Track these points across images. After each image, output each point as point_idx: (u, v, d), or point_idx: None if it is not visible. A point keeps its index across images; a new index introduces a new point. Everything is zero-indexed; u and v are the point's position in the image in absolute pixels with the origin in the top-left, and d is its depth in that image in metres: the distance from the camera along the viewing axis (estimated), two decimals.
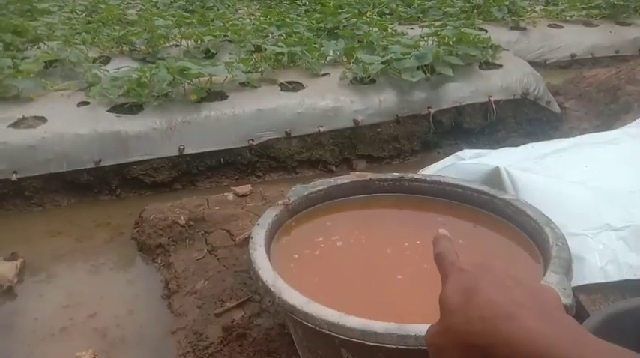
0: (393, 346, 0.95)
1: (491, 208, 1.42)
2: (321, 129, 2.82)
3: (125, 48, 3.92)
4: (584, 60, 4.59)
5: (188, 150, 2.66)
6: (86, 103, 2.75)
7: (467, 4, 5.12)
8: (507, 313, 0.51)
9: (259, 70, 3.10)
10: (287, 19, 4.32)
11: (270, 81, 2.99)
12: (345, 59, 3.32)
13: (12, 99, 2.77)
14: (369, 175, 1.56)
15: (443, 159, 1.89)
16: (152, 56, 3.77)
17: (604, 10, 5.05)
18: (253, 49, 3.62)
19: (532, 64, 3.59)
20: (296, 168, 2.85)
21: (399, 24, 4.77)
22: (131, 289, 1.98)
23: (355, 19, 4.23)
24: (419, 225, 1.43)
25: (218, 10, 5.53)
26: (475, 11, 5.00)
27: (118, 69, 3.07)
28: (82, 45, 3.72)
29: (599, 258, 1.36)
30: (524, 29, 4.71)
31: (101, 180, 2.61)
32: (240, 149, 2.74)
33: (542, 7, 5.44)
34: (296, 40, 3.48)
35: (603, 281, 1.35)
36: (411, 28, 4.49)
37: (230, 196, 2.22)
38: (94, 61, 3.53)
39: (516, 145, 1.97)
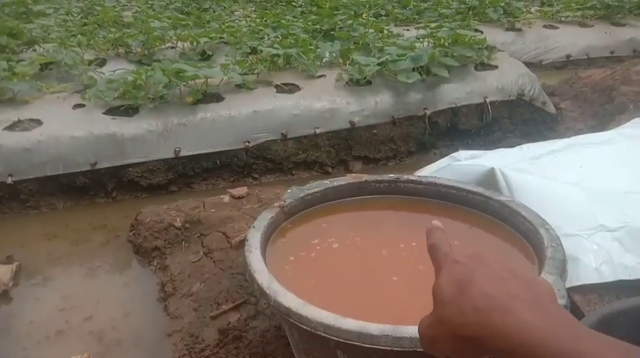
0: (389, 348, 0.95)
1: (486, 209, 1.43)
2: (317, 131, 2.83)
3: (121, 50, 3.92)
4: (580, 60, 4.61)
5: (184, 152, 2.65)
6: (82, 106, 2.74)
7: (462, 6, 5.13)
8: (502, 305, 0.51)
9: (255, 71, 3.10)
10: (283, 21, 4.32)
11: (266, 83, 2.99)
12: (340, 61, 3.32)
13: (7, 102, 2.76)
14: (365, 177, 1.56)
15: (438, 161, 1.89)
16: (148, 58, 3.77)
17: (599, 10, 5.06)
18: (249, 51, 3.62)
19: (528, 64, 3.60)
20: (292, 170, 2.85)
21: (395, 25, 4.78)
22: (127, 292, 1.98)
23: (351, 21, 4.24)
24: (414, 227, 1.43)
25: (214, 11, 5.54)
26: (471, 12, 5.01)
27: (114, 71, 3.06)
28: (78, 47, 3.72)
29: (594, 259, 1.37)
30: (519, 30, 4.72)
31: (97, 182, 2.60)
32: (236, 151, 2.74)
33: (538, 8, 5.46)
34: (292, 41, 3.48)
35: (598, 281, 1.35)
36: (407, 30, 4.50)
37: (226, 198, 2.22)
38: (90, 63, 3.53)
39: (512, 146, 1.98)
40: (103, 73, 3.24)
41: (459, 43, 3.25)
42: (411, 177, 1.56)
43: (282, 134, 2.78)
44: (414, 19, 5.02)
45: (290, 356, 1.40)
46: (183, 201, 2.23)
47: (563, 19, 5.02)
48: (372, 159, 2.96)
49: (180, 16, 4.96)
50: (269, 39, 3.84)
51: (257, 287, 1.11)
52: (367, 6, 5.35)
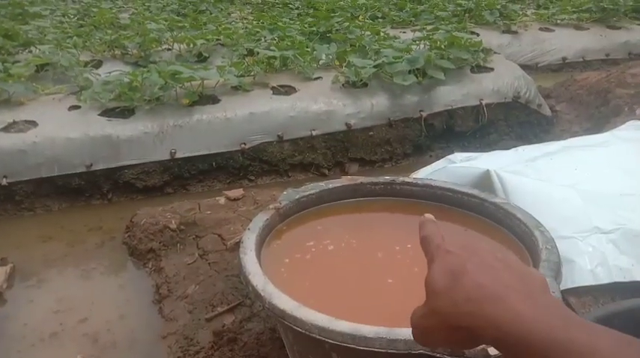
0: (383, 350, 0.95)
1: (481, 211, 1.43)
2: (314, 133, 2.82)
3: (117, 52, 3.91)
4: (575, 63, 4.63)
5: (180, 154, 2.65)
6: (77, 107, 2.73)
7: (459, 8, 5.14)
8: (494, 295, 0.51)
9: (252, 73, 3.10)
10: (280, 23, 4.32)
11: (262, 84, 2.99)
12: (337, 63, 3.33)
13: (2, 104, 2.75)
14: (360, 179, 1.56)
15: (434, 163, 1.89)
16: (144, 60, 3.77)
17: (595, 13, 5.08)
18: (246, 53, 3.62)
19: (523, 67, 3.61)
20: (288, 172, 2.85)
21: (392, 28, 4.79)
22: (122, 294, 1.97)
23: (348, 23, 4.24)
24: (410, 229, 1.42)
25: (211, 13, 5.54)
26: (467, 15, 5.02)
27: (110, 73, 3.06)
28: (74, 49, 3.71)
29: (588, 261, 1.37)
30: (515, 33, 4.73)
31: (92, 184, 2.59)
32: (232, 153, 2.74)
33: (534, 11, 5.47)
34: (288, 43, 3.48)
35: (593, 283, 1.35)
36: (403, 32, 4.51)
37: (222, 200, 2.22)
38: (86, 64, 3.52)
39: (507, 148, 1.98)
40: (99, 75, 3.23)
41: (455, 45, 3.26)
42: (407, 180, 1.56)
43: (279, 136, 2.78)
44: (411, 21, 5.03)
45: None
46: (178, 203, 2.23)
47: (559, 21, 5.04)
48: (368, 161, 2.96)
49: (176, 18, 4.95)
50: (265, 41, 3.84)
51: (252, 290, 1.11)
52: (364, 8, 5.36)
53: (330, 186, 1.51)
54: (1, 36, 3.80)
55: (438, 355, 0.85)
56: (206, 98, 2.83)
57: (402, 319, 1.03)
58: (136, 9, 5.77)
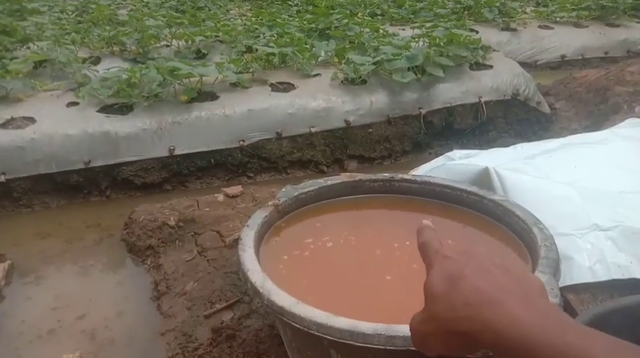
0: (382, 347, 0.95)
1: (480, 209, 1.43)
2: (313, 130, 2.82)
3: (115, 48, 3.90)
4: (575, 61, 4.62)
5: (178, 151, 2.64)
6: (76, 104, 2.73)
7: (458, 5, 5.14)
8: (491, 299, 0.52)
9: (250, 70, 3.09)
10: (278, 20, 4.31)
11: (261, 81, 2.99)
12: (336, 60, 3.32)
13: (0, 100, 2.74)
14: (359, 176, 1.56)
15: (433, 160, 1.89)
16: (143, 56, 3.75)
17: (594, 11, 5.08)
18: (244, 50, 3.62)
19: (523, 64, 3.61)
20: (287, 169, 2.85)
21: (391, 25, 4.78)
22: (120, 291, 1.97)
23: (347, 20, 4.23)
24: (409, 226, 1.42)
25: (209, 10, 5.52)
26: (466, 12, 5.02)
27: (108, 69, 3.05)
28: (72, 45, 3.69)
29: (587, 258, 1.37)
30: (514, 30, 4.73)
31: (91, 181, 2.59)
32: (230, 150, 2.73)
33: (533, 9, 5.47)
34: (287, 40, 3.47)
35: (592, 281, 1.35)
36: (403, 29, 4.50)
37: (220, 197, 2.22)
38: (84, 61, 3.51)
39: (506, 146, 1.98)
40: (98, 71, 3.23)
41: (454, 42, 3.25)
42: (406, 177, 1.56)
43: (277, 133, 2.77)
44: (410, 18, 5.02)
45: (283, 355, 1.40)
46: (177, 200, 2.23)
47: (558, 19, 5.04)
48: (367, 158, 2.96)
49: (175, 14, 4.94)
50: (264, 38, 3.83)
51: (250, 286, 1.11)
52: (363, 5, 5.35)
53: (329, 183, 1.51)
54: None
55: None
56: (205, 95, 2.82)
57: (401, 316, 1.04)
58: (135, 5, 5.75)
